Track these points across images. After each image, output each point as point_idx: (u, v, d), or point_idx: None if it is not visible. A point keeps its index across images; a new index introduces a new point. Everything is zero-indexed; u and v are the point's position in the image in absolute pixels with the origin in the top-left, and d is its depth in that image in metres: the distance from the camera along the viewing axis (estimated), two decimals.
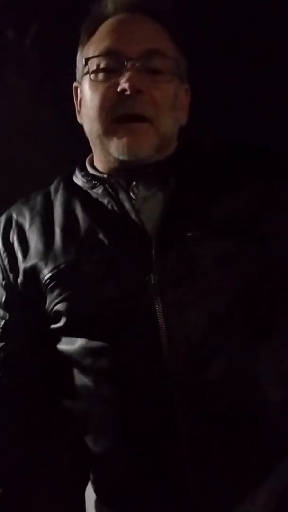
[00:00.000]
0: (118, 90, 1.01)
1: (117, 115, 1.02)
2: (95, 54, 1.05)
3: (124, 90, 1.01)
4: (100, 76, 1.05)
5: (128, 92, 1.01)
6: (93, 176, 1.10)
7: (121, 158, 1.03)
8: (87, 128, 1.10)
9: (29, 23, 1.49)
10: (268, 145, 1.15)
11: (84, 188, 1.10)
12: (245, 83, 1.37)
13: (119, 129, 1.02)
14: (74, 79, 1.14)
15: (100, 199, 1.07)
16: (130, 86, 1.00)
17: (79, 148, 1.16)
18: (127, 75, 1.01)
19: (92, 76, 1.06)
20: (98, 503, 1.09)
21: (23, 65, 1.53)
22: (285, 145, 1.18)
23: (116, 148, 1.03)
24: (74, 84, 1.14)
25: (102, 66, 1.05)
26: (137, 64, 1.02)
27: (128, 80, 1.00)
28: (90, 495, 1.12)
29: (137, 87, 1.01)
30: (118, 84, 1.02)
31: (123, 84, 1.01)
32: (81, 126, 1.12)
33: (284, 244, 1.05)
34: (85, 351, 1.02)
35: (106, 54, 1.04)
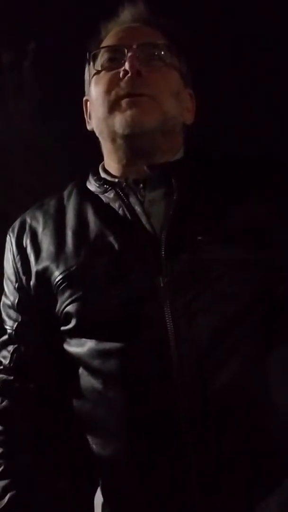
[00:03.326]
0: (120, 75, 1.06)
1: (119, 95, 1.06)
2: (99, 47, 1.12)
3: (125, 73, 1.06)
4: (104, 69, 1.10)
5: (129, 74, 1.05)
6: (105, 180, 1.12)
7: (126, 132, 1.06)
8: (95, 121, 1.13)
9: (28, 45, 1.56)
10: (276, 154, 1.16)
11: (96, 193, 1.12)
12: (250, 92, 1.38)
13: (122, 104, 1.06)
14: (76, 99, 1.20)
15: (111, 204, 1.08)
16: (130, 67, 1.05)
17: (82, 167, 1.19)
18: (127, 60, 1.06)
19: (97, 73, 1.11)
20: (105, 509, 1.08)
21: (23, 87, 1.58)
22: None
23: (121, 122, 1.06)
24: (84, 98, 1.19)
25: (105, 61, 1.10)
26: (137, 53, 1.07)
27: (128, 62, 1.06)
28: (99, 501, 1.11)
29: (137, 68, 1.06)
30: (120, 72, 1.07)
31: (124, 68, 1.06)
32: (86, 146, 1.17)
33: None
34: (94, 353, 1.02)
35: (109, 48, 1.11)
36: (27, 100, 1.65)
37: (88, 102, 1.17)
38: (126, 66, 1.06)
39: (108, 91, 1.08)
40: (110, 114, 1.07)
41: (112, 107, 1.07)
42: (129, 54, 1.06)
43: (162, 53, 1.10)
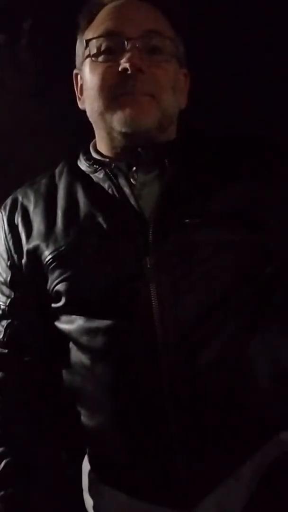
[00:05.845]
0: (120, 69, 1.04)
1: (118, 93, 1.04)
2: (95, 36, 1.08)
3: (125, 69, 1.03)
4: (101, 57, 1.07)
5: (129, 71, 1.02)
6: (95, 160, 1.12)
7: (124, 130, 1.05)
8: (88, 109, 1.12)
9: (22, 25, 1.53)
10: (268, 135, 1.15)
11: (86, 172, 1.13)
12: (245, 71, 1.37)
13: (121, 101, 1.04)
14: (71, 76, 1.17)
15: (101, 184, 1.09)
16: (131, 65, 1.02)
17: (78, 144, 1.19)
18: (127, 54, 1.03)
19: (93, 58, 1.08)
20: (92, 476, 1.13)
21: (18, 67, 1.57)
22: (285, 135, 1.19)
23: (119, 120, 1.05)
24: (74, 71, 1.17)
25: (102, 47, 1.07)
26: (137, 44, 1.04)
27: (129, 60, 1.02)
28: (86, 468, 1.16)
29: (138, 66, 1.03)
30: (119, 64, 1.04)
31: (124, 63, 1.03)
32: (80, 123, 1.15)
33: (283, 233, 1.06)
34: (83, 330, 1.06)
35: (106, 35, 1.07)
36: (24, 76, 1.65)
37: (79, 76, 1.15)
38: (127, 64, 1.02)
39: (105, 86, 1.05)
40: (108, 110, 1.06)
41: (110, 103, 1.05)
42: (129, 47, 1.03)
43: (164, 46, 1.07)
